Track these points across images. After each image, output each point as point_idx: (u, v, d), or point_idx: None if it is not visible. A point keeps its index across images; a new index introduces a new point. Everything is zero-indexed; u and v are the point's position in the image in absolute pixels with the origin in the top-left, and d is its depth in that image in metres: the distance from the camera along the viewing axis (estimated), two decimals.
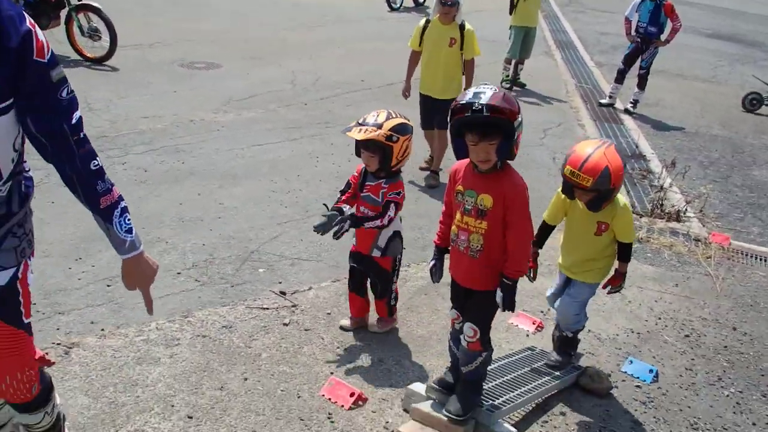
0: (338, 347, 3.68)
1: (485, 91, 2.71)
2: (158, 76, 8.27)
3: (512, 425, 3.14)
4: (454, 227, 3.02)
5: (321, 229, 3.45)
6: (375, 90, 8.66)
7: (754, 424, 3.54)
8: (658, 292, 4.85)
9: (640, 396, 3.65)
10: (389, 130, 3.52)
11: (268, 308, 3.91)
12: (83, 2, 8.20)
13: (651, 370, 3.88)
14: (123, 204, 2.02)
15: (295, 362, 3.50)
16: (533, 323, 4.23)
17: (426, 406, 3.13)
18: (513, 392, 3.31)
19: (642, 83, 9.26)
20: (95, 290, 3.88)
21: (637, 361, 3.95)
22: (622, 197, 3.47)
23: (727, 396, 3.76)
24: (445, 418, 3.03)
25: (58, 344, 3.36)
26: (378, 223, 3.62)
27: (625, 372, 3.85)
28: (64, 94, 1.82)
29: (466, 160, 2.93)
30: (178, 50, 9.55)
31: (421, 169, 6.48)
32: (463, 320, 3.09)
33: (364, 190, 3.71)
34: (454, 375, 3.20)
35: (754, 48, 16.86)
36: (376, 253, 3.74)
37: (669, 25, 9.11)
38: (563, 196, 3.45)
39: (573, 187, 3.29)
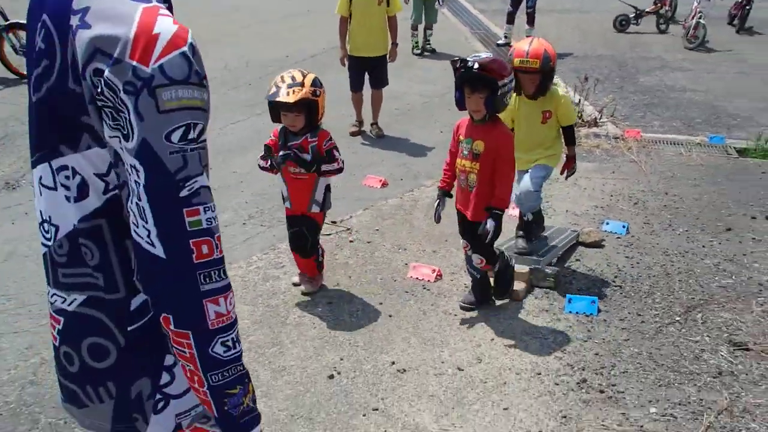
0: (398, 249, 4.80)
1: (481, 54, 3.59)
2: None
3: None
4: (457, 169, 3.85)
5: (280, 159, 3.85)
6: (302, 63, 9.63)
7: (703, 247, 4.97)
8: (602, 179, 6.27)
9: (622, 243, 5.01)
10: (311, 85, 3.75)
11: (330, 234, 4.96)
12: (13, 21, 8.54)
13: (624, 226, 5.26)
14: None
15: (375, 262, 4.60)
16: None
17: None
18: (544, 248, 4.59)
19: (531, 21, 10.80)
20: None
21: (612, 222, 5.32)
22: (559, 89, 4.41)
23: (679, 234, 5.19)
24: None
25: None
26: (336, 166, 3.90)
27: (605, 230, 5.21)
28: None
29: (467, 118, 3.81)
30: None
31: (351, 134, 7.23)
32: (472, 247, 3.90)
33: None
34: (476, 293, 4.11)
35: None
36: (315, 209, 4.03)
37: None
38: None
39: (520, 79, 4.08)
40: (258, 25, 12.36)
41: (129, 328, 1.35)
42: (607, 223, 5.29)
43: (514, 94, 4.26)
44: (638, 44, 11.63)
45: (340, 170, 3.95)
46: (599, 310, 4.07)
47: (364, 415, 3.18)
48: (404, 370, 3.50)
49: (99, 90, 1.19)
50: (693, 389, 3.39)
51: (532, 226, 4.68)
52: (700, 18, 11.04)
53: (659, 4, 12.17)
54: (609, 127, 7.68)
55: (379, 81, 7.22)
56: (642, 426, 3.12)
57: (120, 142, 1.21)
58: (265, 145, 3.93)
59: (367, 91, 7.24)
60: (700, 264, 4.67)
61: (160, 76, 1.16)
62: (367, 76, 7.18)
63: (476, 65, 3.49)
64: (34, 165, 1.36)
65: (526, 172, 4.45)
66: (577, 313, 4.05)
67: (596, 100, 8.32)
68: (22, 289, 4.24)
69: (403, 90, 8.56)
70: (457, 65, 3.57)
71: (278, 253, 4.68)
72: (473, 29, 12.12)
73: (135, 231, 1.23)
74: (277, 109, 3.80)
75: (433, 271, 4.41)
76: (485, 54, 3.63)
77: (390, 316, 3.97)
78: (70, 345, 1.38)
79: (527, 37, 4.40)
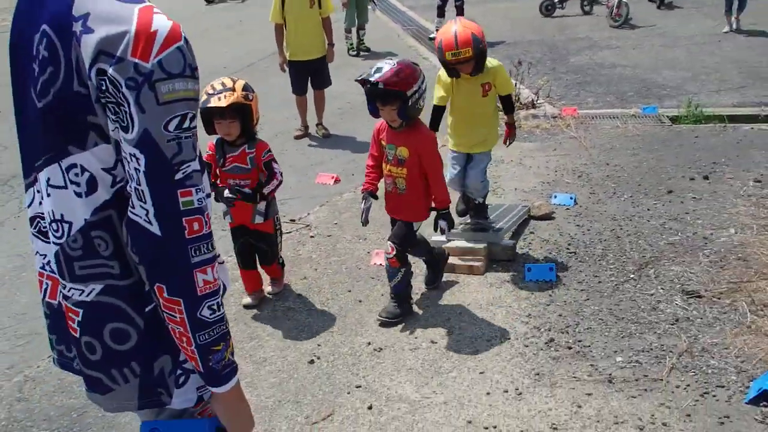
0: (359, 239, 4.93)
1: (383, 67, 3.51)
2: None
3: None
4: (385, 175, 3.86)
5: (228, 203, 3.79)
6: (241, 72, 9.65)
7: (648, 210, 5.21)
8: (545, 157, 6.50)
9: (572, 213, 5.22)
10: (242, 90, 3.68)
11: (291, 231, 5.05)
12: None
13: (571, 197, 5.49)
14: None
15: (338, 254, 4.72)
16: None
17: (453, 244, 4.52)
18: (500, 223, 4.77)
19: (460, 13, 11.03)
20: None
21: (560, 194, 5.54)
22: (493, 60, 4.40)
23: (624, 200, 5.44)
24: (464, 242, 4.50)
25: None
26: (275, 183, 3.86)
27: (554, 203, 5.42)
28: None
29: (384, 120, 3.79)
30: None
31: (296, 138, 7.34)
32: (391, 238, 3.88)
33: (227, 164, 3.83)
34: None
35: None
36: (259, 220, 3.95)
37: None
38: (444, 78, 4.29)
39: (456, 67, 4.10)
40: (192, 37, 12.34)
41: (146, 309, 1.46)
42: (555, 197, 5.50)
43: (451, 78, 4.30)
44: (566, 27, 12.05)
45: (280, 183, 3.91)
46: (557, 276, 4.26)
47: (348, 393, 3.31)
48: (381, 349, 3.64)
49: (103, 88, 1.29)
50: (653, 337, 3.60)
51: (484, 206, 4.80)
52: None
53: None
54: (546, 108, 7.95)
55: (322, 82, 7.34)
56: (611, 374, 3.31)
57: (118, 133, 1.32)
58: (205, 161, 3.74)
59: (310, 93, 7.36)
60: (647, 225, 4.91)
61: (159, 71, 1.28)
62: (310, 79, 7.29)
63: (380, 84, 3.48)
64: (39, 169, 1.45)
65: (465, 155, 4.52)
66: (537, 280, 4.23)
67: (531, 83, 8.59)
68: None
69: (342, 89, 8.67)
70: (363, 83, 3.57)
71: None
72: (404, 26, 12.36)
73: (132, 212, 1.35)
74: (210, 119, 3.72)
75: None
76: (388, 65, 3.54)
77: (360, 301, 4.09)
78: (92, 334, 1.47)
79: (450, 21, 4.37)
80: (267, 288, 4.28)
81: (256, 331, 3.87)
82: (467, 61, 4.08)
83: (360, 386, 3.35)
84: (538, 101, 8.07)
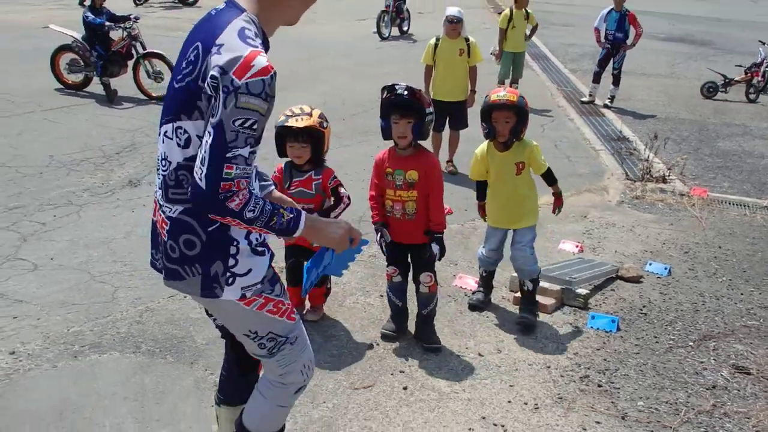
0: (450, 263, 5.54)
1: (405, 84, 3.91)
2: None
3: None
4: (388, 202, 4.09)
5: None
6: None
7: (741, 294, 5.43)
8: (659, 229, 6.79)
9: (661, 282, 5.55)
10: (318, 117, 3.98)
11: None
12: (149, 51, 10.09)
13: (666, 268, 5.79)
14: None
15: None
16: (576, 246, 6.13)
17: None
18: (580, 274, 5.21)
19: (616, 81, 11.44)
20: None
21: (655, 263, 5.86)
22: (531, 140, 4.60)
23: (721, 282, 5.66)
24: (541, 282, 4.91)
25: None
26: (343, 207, 4.14)
27: (647, 270, 5.75)
28: None
29: (386, 150, 4.13)
30: None
31: None
32: (400, 272, 4.24)
33: (292, 187, 4.06)
34: (395, 321, 4.38)
35: (704, 46, 19.57)
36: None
37: (633, 31, 11.36)
38: (480, 155, 4.61)
39: (494, 121, 4.35)
40: (355, 68, 13.51)
41: (209, 229, 2.26)
42: (651, 264, 5.83)
43: (486, 144, 4.61)
44: (723, 111, 12.05)
45: (347, 206, 4.18)
46: (619, 329, 4.65)
47: (391, 374, 3.98)
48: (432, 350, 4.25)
49: (211, 85, 2.11)
50: (683, 395, 3.95)
51: (533, 296, 4.71)
52: None
53: (750, 74, 12.54)
54: (677, 184, 8.18)
55: (458, 123, 8.07)
56: (626, 413, 3.73)
57: (206, 117, 2.15)
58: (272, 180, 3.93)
59: (446, 132, 8.13)
60: (732, 307, 5.15)
61: (244, 87, 2.08)
62: (448, 119, 8.05)
63: (405, 92, 3.85)
64: (163, 124, 2.32)
65: (503, 231, 4.73)
66: (597, 328, 4.64)
67: (668, 158, 8.83)
68: (136, 258, 5.32)
69: (478, 134, 9.22)
70: (386, 93, 3.91)
71: None
72: (560, 86, 12.85)
73: (195, 169, 2.15)
74: (283, 141, 4.03)
75: (476, 282, 5.11)
76: (408, 84, 3.93)
77: None
78: (173, 239, 2.30)
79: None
80: (306, 314, 4.46)
81: (334, 315, 4.63)
82: (510, 106, 4.31)
83: (403, 372, 4.00)
84: (670, 177, 8.30)
